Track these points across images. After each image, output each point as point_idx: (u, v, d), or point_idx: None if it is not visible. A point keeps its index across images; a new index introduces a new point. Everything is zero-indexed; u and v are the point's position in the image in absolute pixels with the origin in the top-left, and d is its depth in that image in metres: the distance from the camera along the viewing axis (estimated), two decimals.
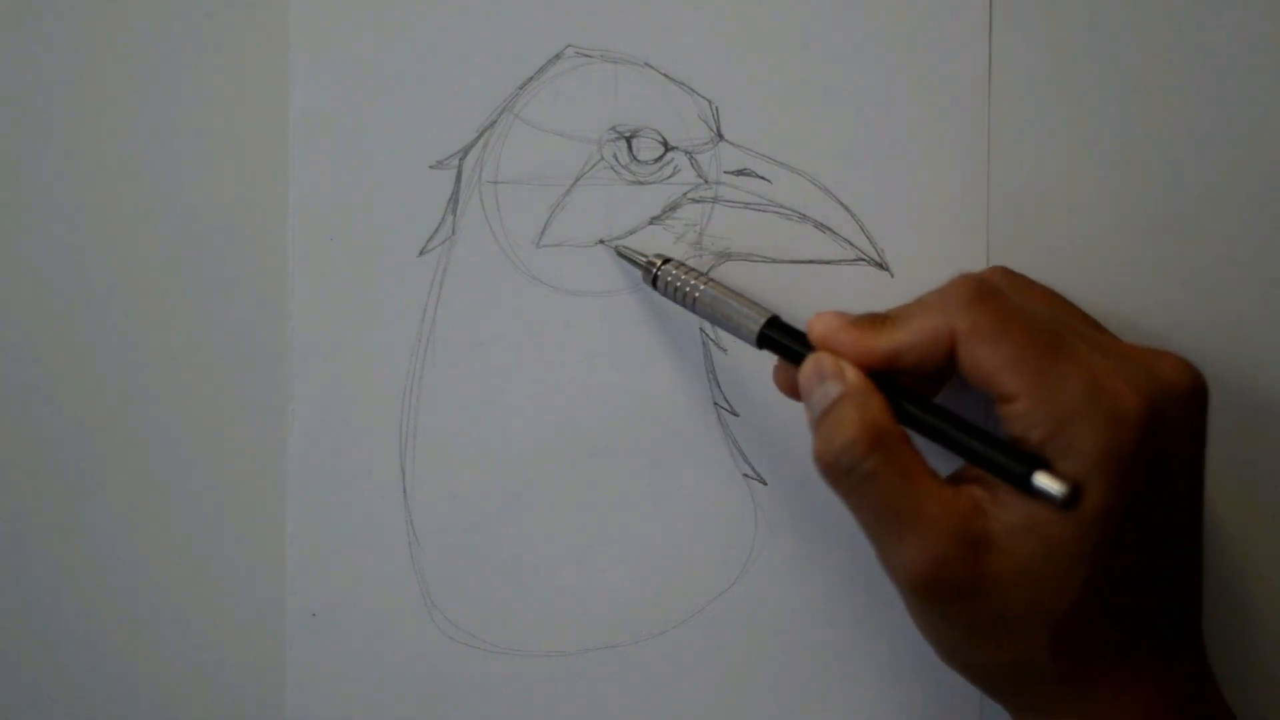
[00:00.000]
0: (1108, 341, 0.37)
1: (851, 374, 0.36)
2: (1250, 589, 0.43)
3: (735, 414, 0.43)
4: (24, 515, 0.44)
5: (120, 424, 0.44)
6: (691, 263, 0.42)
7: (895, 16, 0.42)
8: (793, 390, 0.38)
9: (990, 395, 0.35)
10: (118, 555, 0.44)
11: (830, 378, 0.36)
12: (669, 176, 0.43)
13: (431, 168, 0.43)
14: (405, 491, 0.43)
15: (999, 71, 0.42)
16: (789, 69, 0.43)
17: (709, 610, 0.43)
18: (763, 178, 0.43)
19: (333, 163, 0.43)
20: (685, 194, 0.43)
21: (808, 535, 0.43)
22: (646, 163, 0.43)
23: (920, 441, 0.36)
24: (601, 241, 0.43)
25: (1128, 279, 0.43)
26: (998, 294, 0.36)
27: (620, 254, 0.42)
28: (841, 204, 0.43)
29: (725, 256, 0.43)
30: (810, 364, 0.37)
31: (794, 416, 0.42)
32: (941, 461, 0.36)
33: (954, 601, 0.34)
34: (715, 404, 0.43)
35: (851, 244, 0.43)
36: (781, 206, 0.43)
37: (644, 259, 0.41)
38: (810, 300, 0.42)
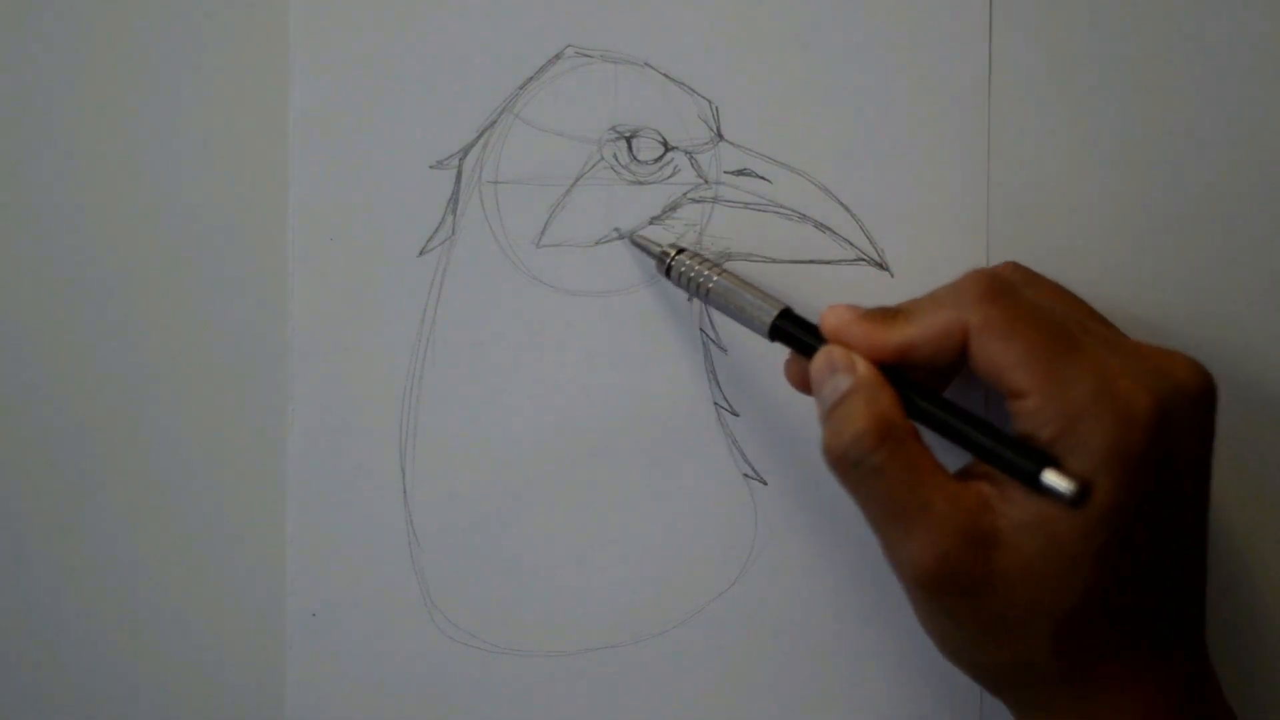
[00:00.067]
0: (1118, 339, 0.37)
1: (863, 367, 0.36)
2: (1253, 589, 0.43)
3: (735, 414, 0.43)
4: (24, 515, 0.44)
5: (120, 424, 0.44)
6: (706, 254, 0.42)
7: (895, 16, 0.42)
8: (804, 384, 0.38)
9: (1001, 391, 0.35)
10: (118, 555, 0.44)
11: (841, 370, 0.36)
12: (669, 176, 0.43)
13: (431, 168, 0.43)
14: (405, 491, 0.43)
15: (999, 71, 0.42)
16: (789, 69, 0.43)
17: (709, 610, 0.43)
18: (763, 178, 0.43)
19: (333, 163, 0.43)
20: (685, 194, 0.43)
21: (808, 535, 0.43)
22: (646, 163, 0.43)
23: (929, 437, 0.36)
24: (617, 230, 0.43)
25: (1127, 278, 0.43)
26: (1011, 290, 0.36)
27: (635, 243, 0.42)
28: (841, 204, 0.43)
29: (725, 256, 0.43)
30: (822, 356, 0.37)
31: (794, 416, 0.42)
32: (950, 457, 0.36)
33: (959, 598, 0.34)
34: (715, 404, 0.43)
35: (851, 244, 0.43)
36: (781, 206, 0.43)
37: (659, 248, 0.41)
38: (810, 300, 0.42)
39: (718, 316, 0.42)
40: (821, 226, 0.43)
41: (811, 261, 0.43)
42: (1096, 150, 0.42)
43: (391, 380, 0.43)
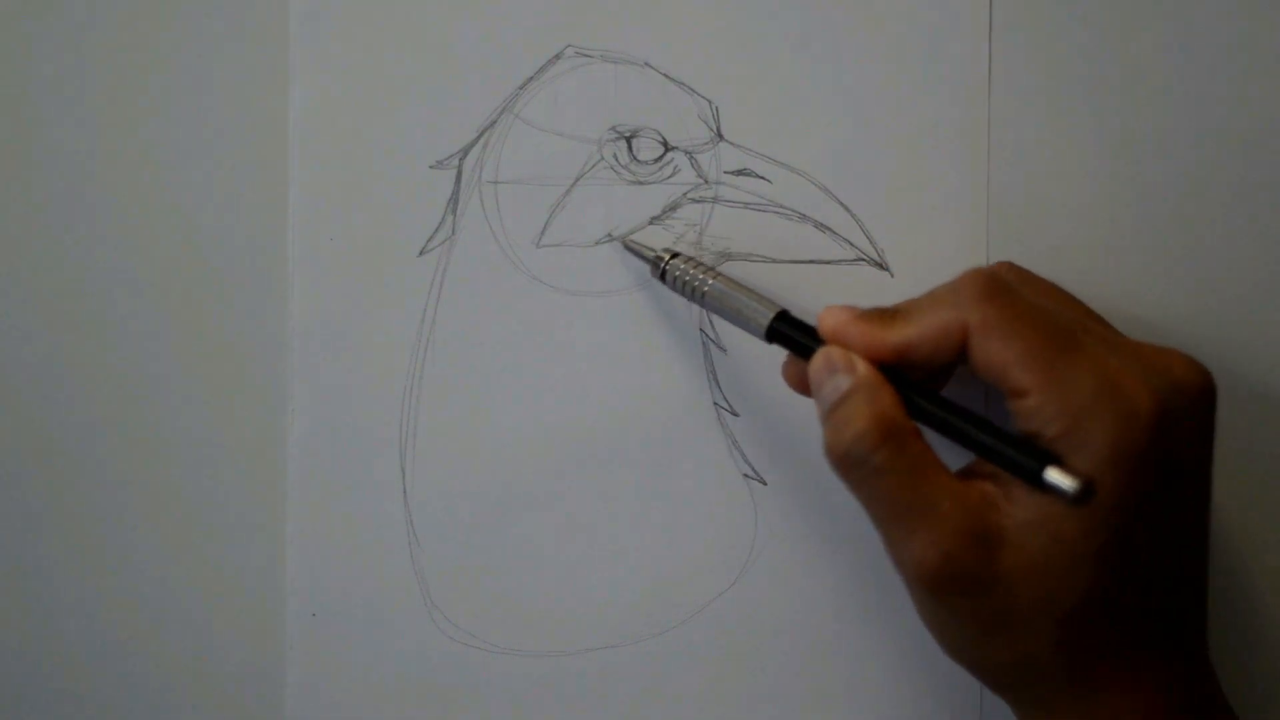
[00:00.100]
0: (1117, 339, 0.37)
1: (862, 367, 0.36)
2: (1254, 590, 0.43)
3: (735, 414, 0.43)
4: (24, 515, 0.44)
5: (120, 424, 0.44)
6: (701, 258, 0.42)
7: (895, 16, 0.42)
8: (802, 385, 0.38)
9: (1001, 390, 0.35)
10: (118, 555, 0.44)
11: (841, 371, 0.36)
12: (669, 176, 0.43)
13: (431, 168, 0.43)
14: (405, 491, 0.43)
15: (999, 71, 0.42)
16: (789, 69, 0.43)
17: (709, 610, 0.43)
18: (763, 178, 0.43)
19: (333, 163, 0.43)
20: (685, 194, 0.43)
21: (808, 535, 0.43)
22: (646, 163, 0.43)
23: (931, 437, 0.36)
24: (610, 235, 0.43)
25: (1127, 278, 0.43)
26: (1009, 289, 0.36)
27: (628, 248, 0.42)
28: (841, 204, 0.43)
29: (725, 256, 0.43)
30: (820, 357, 0.37)
31: (794, 416, 0.42)
32: (952, 456, 0.36)
33: (962, 596, 0.34)
34: (715, 404, 0.43)
35: (851, 244, 0.43)
36: (781, 206, 0.43)
37: (652, 253, 0.41)
38: (810, 300, 0.42)
39: (717, 317, 0.42)
40: (821, 226, 0.43)
41: (811, 261, 0.43)
42: (1096, 150, 0.42)
43: (391, 380, 0.43)
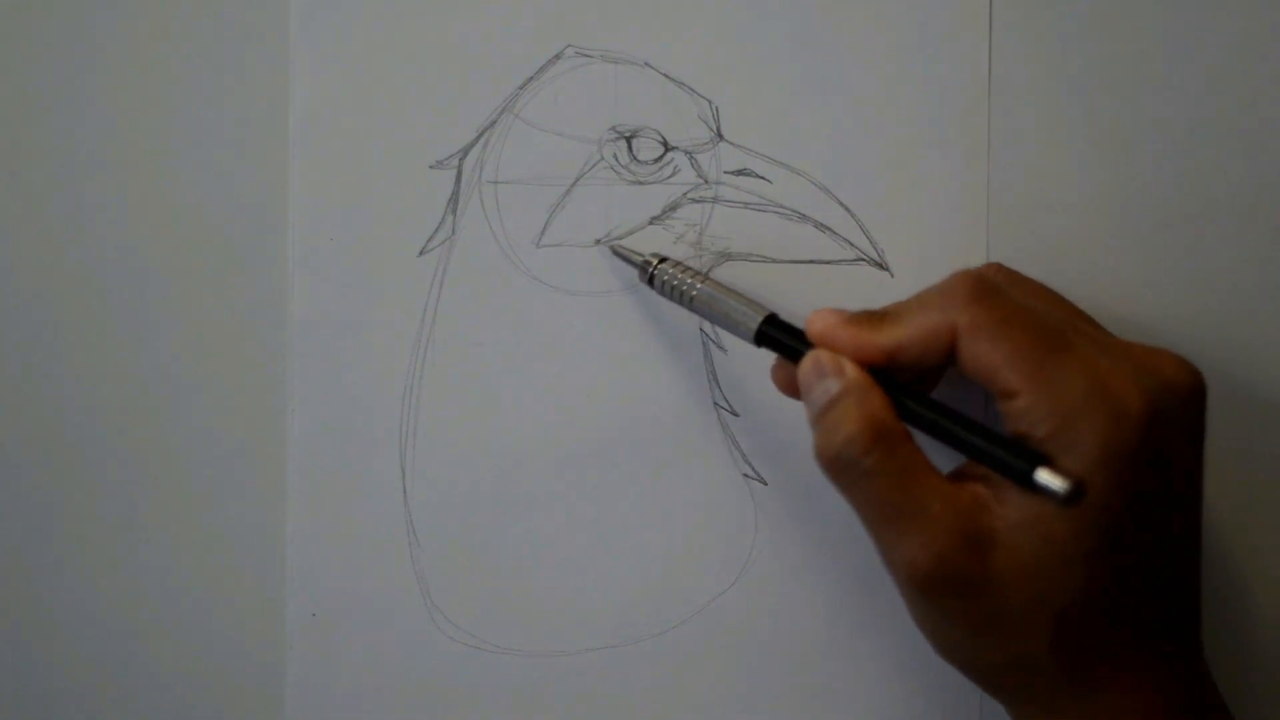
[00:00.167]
0: (1106, 339, 0.37)
1: (851, 370, 0.36)
2: (1251, 590, 0.43)
3: (735, 414, 0.43)
4: (24, 516, 0.44)
5: (120, 424, 0.44)
6: (690, 262, 0.42)
7: (895, 16, 0.42)
8: (791, 388, 0.38)
9: (991, 391, 0.35)
10: (118, 555, 0.44)
11: (830, 374, 0.36)
12: (669, 176, 0.43)
13: (431, 168, 0.43)
14: (405, 491, 0.43)
15: (999, 71, 0.42)
16: (789, 69, 0.43)
17: (709, 610, 0.43)
18: (763, 178, 0.43)
19: (333, 163, 0.43)
20: (685, 194, 0.43)
21: (808, 535, 0.43)
22: (646, 163, 0.43)
23: (922, 439, 0.36)
24: (598, 241, 0.43)
25: (1127, 278, 0.43)
26: (998, 290, 0.36)
27: (616, 253, 0.42)
28: (841, 204, 0.43)
29: (725, 256, 0.43)
30: (809, 361, 0.37)
31: (795, 417, 0.42)
32: (943, 459, 0.36)
33: (955, 598, 0.34)
34: (715, 404, 0.43)
35: (851, 244, 0.43)
36: (781, 206, 0.43)
37: (640, 258, 0.41)
38: (810, 300, 0.42)
39: None
40: (821, 226, 0.43)
41: (811, 261, 0.43)
42: (1096, 150, 0.42)
43: (391, 380, 0.43)
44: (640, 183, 0.43)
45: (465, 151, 0.43)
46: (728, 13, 0.43)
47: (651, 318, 0.43)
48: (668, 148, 0.43)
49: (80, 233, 0.43)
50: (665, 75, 0.43)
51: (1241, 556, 0.43)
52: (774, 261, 0.43)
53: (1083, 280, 0.42)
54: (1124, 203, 0.42)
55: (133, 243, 0.43)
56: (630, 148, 0.43)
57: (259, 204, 0.43)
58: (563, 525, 0.43)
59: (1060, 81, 0.42)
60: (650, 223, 0.43)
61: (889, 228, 0.43)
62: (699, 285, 0.40)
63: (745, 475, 0.43)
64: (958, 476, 0.36)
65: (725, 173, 0.43)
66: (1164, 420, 0.34)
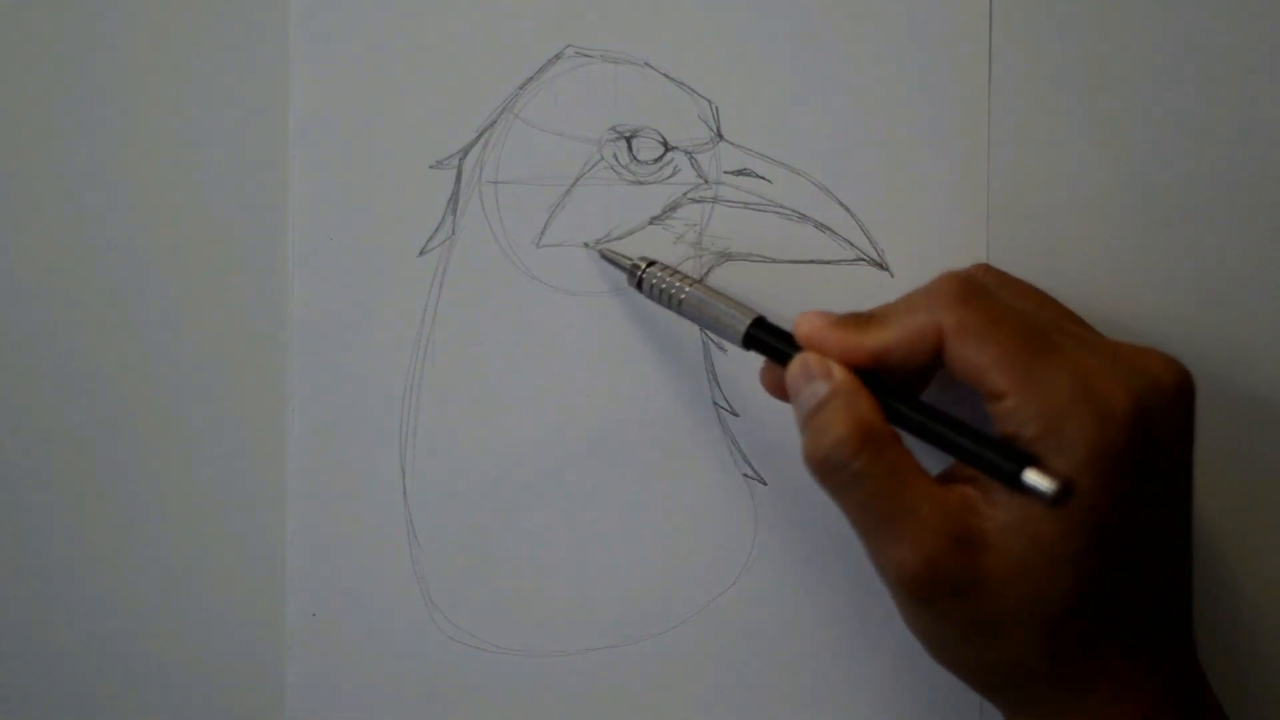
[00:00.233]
0: (1094, 339, 0.37)
1: (839, 373, 0.36)
2: (1246, 591, 0.43)
3: (735, 414, 0.43)
4: (24, 516, 0.44)
5: (120, 424, 0.44)
6: (687, 264, 0.42)
7: (895, 16, 0.42)
8: (780, 391, 0.38)
9: (979, 392, 0.35)
10: (118, 555, 0.44)
11: (818, 377, 0.36)
12: (669, 176, 0.43)
13: (431, 168, 0.43)
14: (405, 491, 0.43)
15: (999, 71, 0.42)
16: (789, 69, 0.43)
17: (709, 610, 0.43)
18: (763, 178, 0.43)
19: (333, 163, 0.43)
20: (685, 194, 0.43)
21: (808, 536, 0.43)
22: (646, 163, 0.43)
23: (911, 442, 0.36)
24: (587, 245, 0.43)
25: (1127, 278, 0.43)
26: (985, 292, 0.36)
27: (605, 257, 0.42)
28: (841, 204, 0.43)
29: (725, 256, 0.43)
30: (797, 364, 0.37)
31: (794, 418, 0.42)
32: (932, 461, 0.36)
33: (945, 600, 0.34)
34: (715, 404, 0.43)
35: (851, 244, 0.43)
36: (781, 206, 0.43)
37: (628, 262, 0.41)
38: (810, 300, 0.42)
39: None
40: (821, 226, 0.43)
41: (812, 261, 0.43)
42: (1096, 150, 0.42)
43: (391, 380, 0.43)
44: (640, 183, 0.43)
45: (465, 151, 0.43)
46: (728, 13, 0.43)
47: (651, 318, 0.43)
48: (668, 148, 0.43)
49: (80, 233, 0.43)
50: (665, 75, 0.43)
51: (1236, 557, 0.43)
52: (774, 261, 0.43)
53: (1082, 280, 0.42)
54: (1123, 203, 0.42)
55: (133, 242, 0.43)
56: (630, 148, 0.43)
57: (259, 204, 0.43)
58: (563, 525, 0.43)
59: (1060, 81, 0.42)
60: (650, 223, 0.43)
61: (889, 228, 0.43)
62: (687, 289, 0.40)
63: (745, 475, 0.43)
64: (946, 478, 0.36)
65: (725, 173, 0.43)
66: (1152, 420, 0.34)
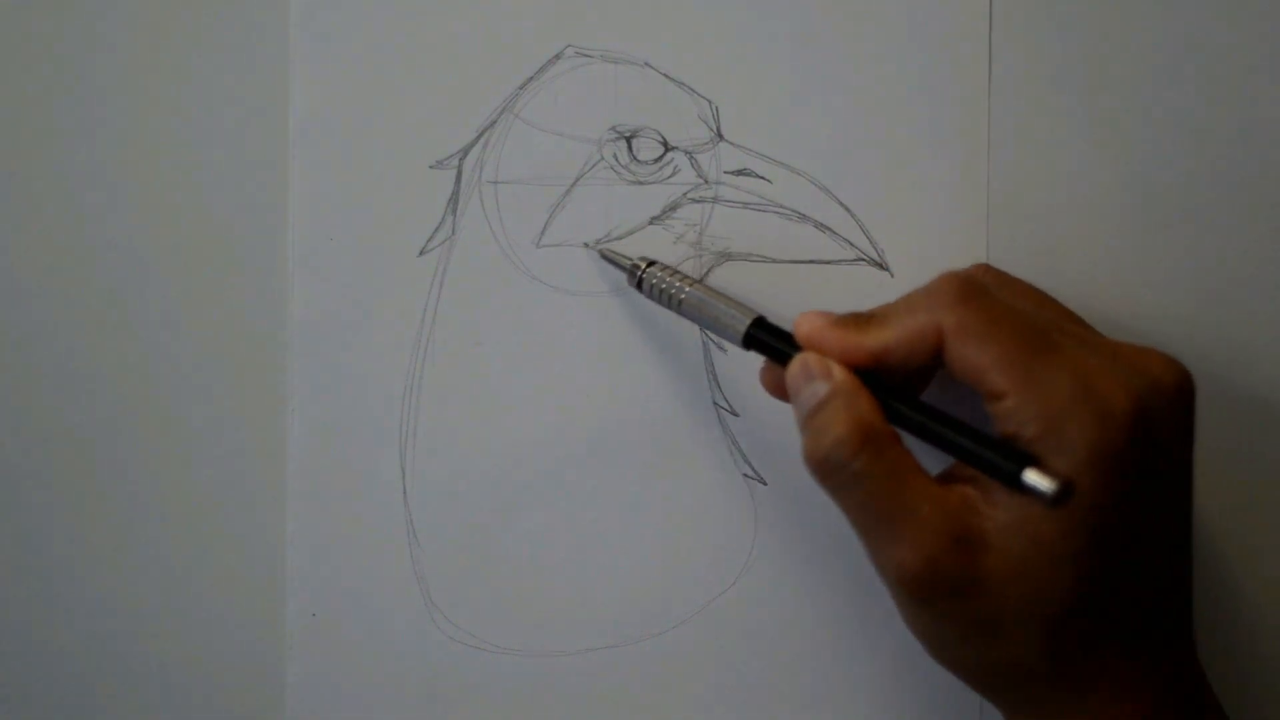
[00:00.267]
0: (1094, 339, 0.37)
1: (839, 373, 0.36)
2: (1244, 589, 0.43)
3: (735, 414, 0.43)
4: (24, 516, 0.44)
5: (120, 424, 0.44)
6: (687, 264, 0.42)
7: (895, 16, 0.42)
8: (780, 391, 0.38)
9: (979, 392, 0.35)
10: (118, 555, 0.44)
11: (818, 377, 0.36)
12: (669, 176, 0.43)
13: (431, 168, 0.43)
14: (405, 491, 0.43)
15: (999, 71, 0.42)
16: (789, 69, 0.43)
17: (709, 610, 0.43)
18: (763, 178, 0.43)
19: (333, 163, 0.43)
20: (685, 194, 0.43)
21: (808, 536, 0.43)
22: (646, 163, 0.43)
23: (911, 442, 0.36)
24: (587, 245, 0.43)
25: (1127, 278, 0.43)
26: (985, 292, 0.36)
27: (605, 257, 0.42)
28: (841, 204, 0.43)
29: (725, 256, 0.43)
30: (797, 364, 0.37)
31: (794, 418, 0.42)
32: (932, 461, 0.36)
33: (945, 600, 0.34)
34: (715, 404, 0.43)
35: (851, 244, 0.43)
36: (781, 206, 0.43)
37: (628, 262, 0.41)
38: (810, 300, 0.42)
39: None
40: (821, 226, 0.43)
41: (812, 261, 0.43)
42: (1096, 150, 0.42)
43: (391, 380, 0.43)
44: (640, 183, 0.43)
45: (465, 151, 0.43)
46: (728, 13, 0.43)
47: (651, 318, 0.43)
48: (668, 148, 0.43)
49: (80, 233, 0.43)
50: (665, 75, 0.43)
51: (1236, 557, 0.43)
52: (774, 261, 0.43)
53: (1082, 280, 0.42)
54: (1123, 203, 0.42)
55: (133, 242, 0.43)
56: (630, 148, 0.43)
57: (259, 204, 0.43)
58: (563, 525, 0.43)
59: (1060, 81, 0.42)
60: (650, 223, 0.43)
61: (889, 228, 0.43)
62: (687, 289, 0.40)
63: (745, 475, 0.43)
64: (946, 478, 0.36)
65: (725, 173, 0.43)
66: (1151, 419, 0.34)
